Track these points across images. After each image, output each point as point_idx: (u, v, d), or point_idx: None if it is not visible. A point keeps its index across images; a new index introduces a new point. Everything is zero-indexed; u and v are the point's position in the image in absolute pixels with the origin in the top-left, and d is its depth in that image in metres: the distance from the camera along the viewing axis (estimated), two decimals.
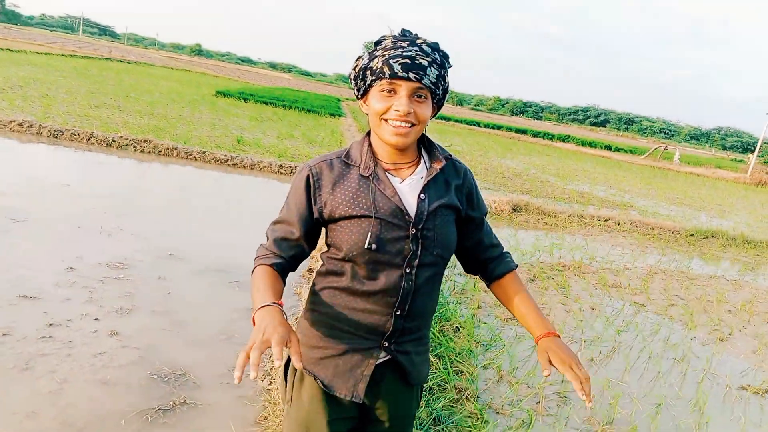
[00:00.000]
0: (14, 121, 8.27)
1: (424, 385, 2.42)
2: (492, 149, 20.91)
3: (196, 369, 2.90)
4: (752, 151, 40.65)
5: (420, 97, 1.28)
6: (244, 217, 6.10)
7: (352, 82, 1.36)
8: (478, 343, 3.77)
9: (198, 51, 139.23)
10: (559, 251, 6.73)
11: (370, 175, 1.33)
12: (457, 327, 3.87)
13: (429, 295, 1.39)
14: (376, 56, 1.28)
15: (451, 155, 1.44)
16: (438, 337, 3.57)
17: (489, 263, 1.52)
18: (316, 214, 1.34)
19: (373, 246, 1.28)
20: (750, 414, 3.53)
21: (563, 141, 37.75)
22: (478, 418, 2.80)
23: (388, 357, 1.38)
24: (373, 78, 1.29)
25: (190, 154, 8.52)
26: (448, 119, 38.00)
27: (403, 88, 1.27)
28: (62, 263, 3.87)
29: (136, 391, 2.63)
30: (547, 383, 3.40)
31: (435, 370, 3.15)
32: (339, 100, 33.04)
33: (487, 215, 1.54)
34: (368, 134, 1.40)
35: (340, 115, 21.22)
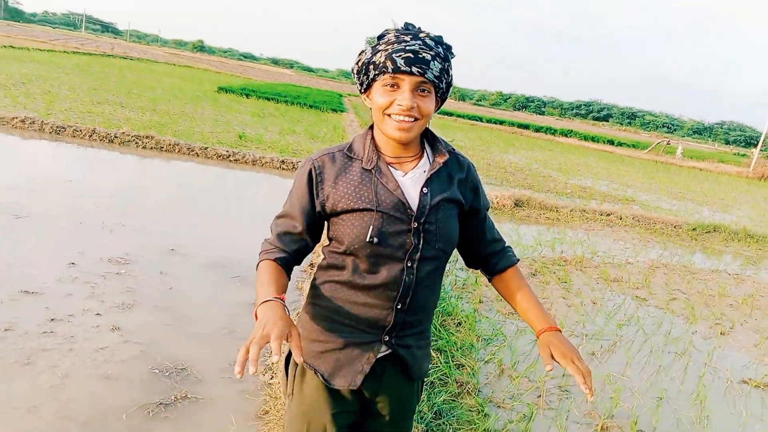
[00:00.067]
0: (17, 118, 8.28)
1: (425, 379, 2.42)
2: (494, 144, 20.88)
3: (197, 364, 2.91)
4: (755, 146, 40.50)
5: (423, 91, 1.27)
6: (246, 212, 6.11)
7: (355, 76, 1.35)
8: (479, 337, 3.77)
9: (200, 47, 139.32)
10: (560, 246, 6.73)
11: (373, 168, 1.32)
12: (458, 321, 3.87)
13: (430, 289, 1.38)
14: (379, 50, 1.27)
15: (454, 149, 1.43)
16: (440, 331, 3.58)
17: (491, 258, 1.51)
18: (318, 208, 1.34)
19: (375, 239, 1.27)
20: (751, 408, 3.53)
21: (566, 136, 37.74)
22: (479, 412, 2.81)
23: (389, 351, 1.38)
24: (376, 72, 1.28)
25: (192, 150, 8.53)
26: (451, 114, 37.96)
27: (406, 82, 1.25)
28: (64, 259, 3.88)
29: (138, 385, 2.64)
30: (548, 377, 3.41)
31: (436, 364, 3.16)
32: (341, 95, 33.03)
33: (489, 210, 1.53)
34: (371, 128, 1.39)
35: (342, 111, 21.20)
